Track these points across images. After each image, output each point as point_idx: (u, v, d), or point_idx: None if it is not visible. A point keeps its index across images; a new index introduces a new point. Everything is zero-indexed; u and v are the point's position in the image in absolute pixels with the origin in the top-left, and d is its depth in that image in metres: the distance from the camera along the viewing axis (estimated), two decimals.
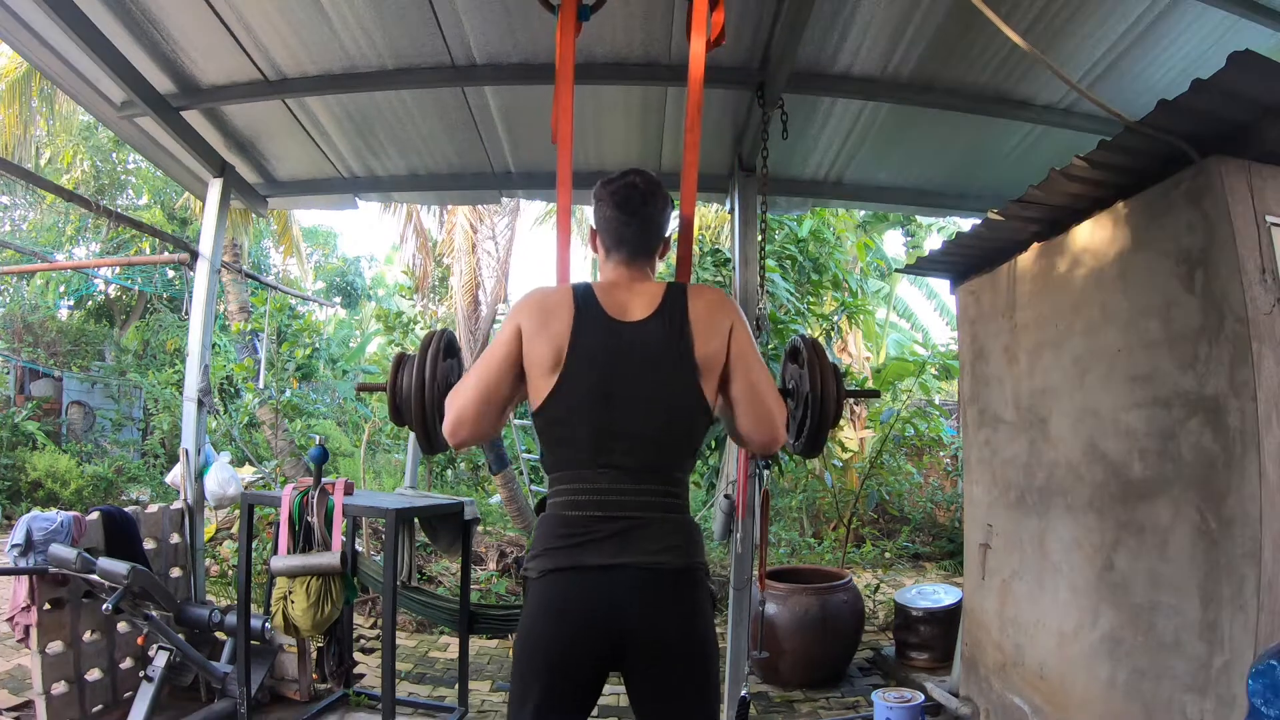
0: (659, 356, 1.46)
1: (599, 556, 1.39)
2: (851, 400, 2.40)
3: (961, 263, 3.43)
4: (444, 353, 1.77)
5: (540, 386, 1.45)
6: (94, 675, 3.13)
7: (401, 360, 1.79)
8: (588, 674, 1.42)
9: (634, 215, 1.58)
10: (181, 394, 4.99)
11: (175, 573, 3.57)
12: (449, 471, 8.83)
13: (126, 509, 3.39)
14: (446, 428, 1.53)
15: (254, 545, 3.94)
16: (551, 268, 1.87)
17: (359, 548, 4.31)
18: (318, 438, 3.47)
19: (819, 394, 1.80)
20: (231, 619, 3.35)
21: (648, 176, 1.62)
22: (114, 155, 11.57)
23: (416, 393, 1.71)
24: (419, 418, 1.72)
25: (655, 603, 1.39)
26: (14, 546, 2.90)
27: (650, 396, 1.45)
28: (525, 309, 1.50)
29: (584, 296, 1.50)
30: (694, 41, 1.94)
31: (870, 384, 8.10)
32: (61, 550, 2.76)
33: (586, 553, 1.39)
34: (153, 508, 3.58)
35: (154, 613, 2.99)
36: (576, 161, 3.23)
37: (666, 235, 1.68)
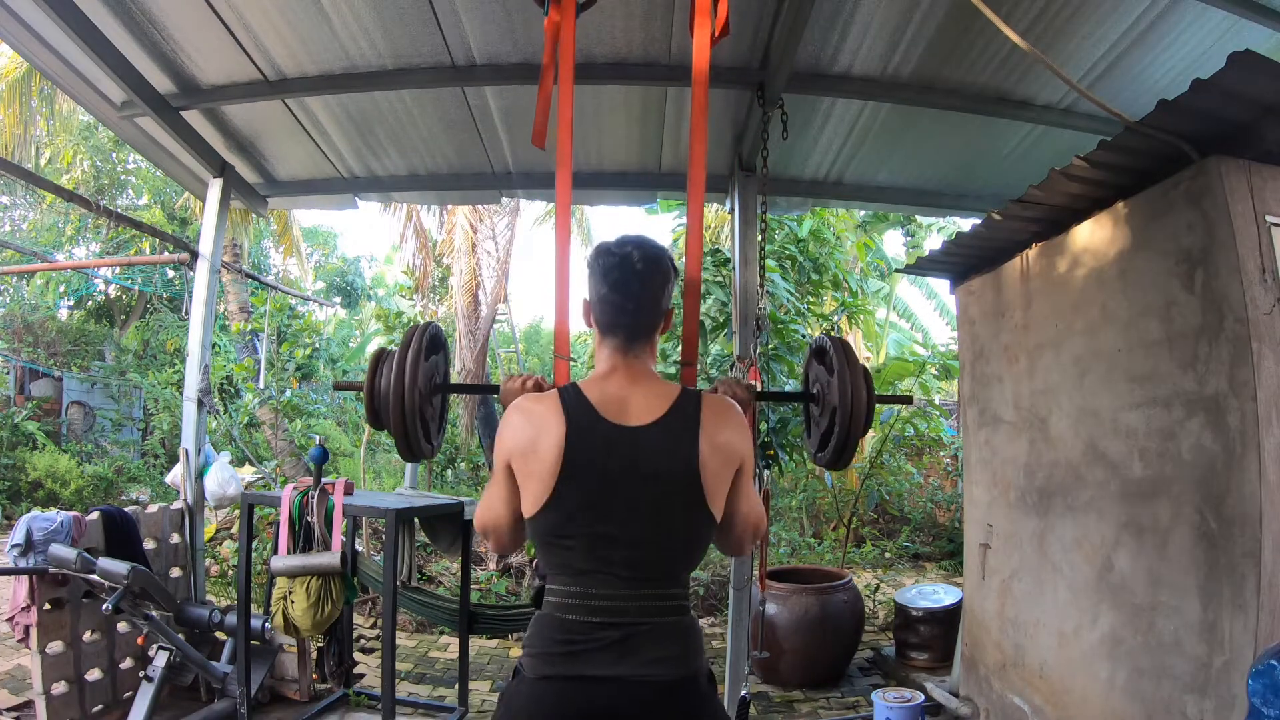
0: (663, 471, 1.34)
1: (596, 667, 1.32)
2: None
3: (961, 263, 3.43)
4: (427, 350, 1.63)
5: (534, 496, 1.36)
6: (94, 675, 3.14)
7: (381, 357, 1.64)
8: None
9: (629, 298, 1.41)
10: (181, 394, 5.00)
11: (175, 573, 3.57)
12: (449, 471, 8.85)
13: (126, 509, 3.39)
14: (494, 549, 1.47)
15: (254, 545, 3.94)
16: (551, 268, 1.82)
17: (359, 548, 4.31)
18: (318, 438, 3.49)
19: (849, 405, 1.68)
20: (231, 619, 3.35)
21: (646, 250, 1.42)
22: (114, 155, 11.56)
23: (396, 396, 1.57)
24: (398, 422, 1.58)
25: (653, 718, 1.33)
26: (14, 546, 2.90)
27: (653, 512, 1.34)
28: (512, 429, 1.37)
29: (574, 403, 1.36)
30: (697, 34, 1.88)
31: None
32: (61, 550, 2.76)
33: (583, 663, 1.33)
34: (153, 508, 3.58)
35: (154, 613, 2.99)
36: (576, 161, 3.25)
37: (669, 308, 1.50)
